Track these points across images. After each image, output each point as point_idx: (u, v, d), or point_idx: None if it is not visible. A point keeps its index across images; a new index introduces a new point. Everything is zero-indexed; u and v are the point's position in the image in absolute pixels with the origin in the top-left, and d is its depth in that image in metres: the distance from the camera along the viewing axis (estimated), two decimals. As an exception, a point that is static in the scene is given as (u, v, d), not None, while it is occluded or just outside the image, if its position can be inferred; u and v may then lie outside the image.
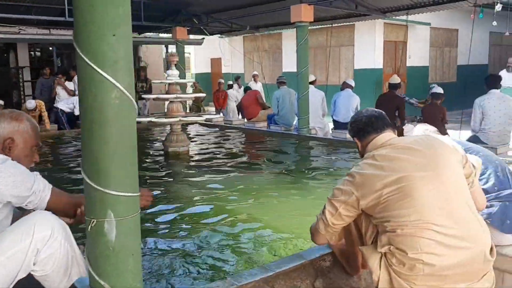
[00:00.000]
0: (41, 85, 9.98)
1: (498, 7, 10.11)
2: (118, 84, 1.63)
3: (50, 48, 13.46)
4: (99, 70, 1.60)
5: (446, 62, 15.45)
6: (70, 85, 9.75)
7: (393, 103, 7.12)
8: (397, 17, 10.80)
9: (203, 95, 6.49)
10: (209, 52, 18.58)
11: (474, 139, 6.06)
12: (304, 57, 7.57)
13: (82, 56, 1.61)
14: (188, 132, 8.76)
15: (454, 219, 1.93)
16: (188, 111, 10.60)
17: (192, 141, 7.68)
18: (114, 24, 1.61)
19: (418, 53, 14.37)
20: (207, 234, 3.27)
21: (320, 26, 11.96)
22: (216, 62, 19.27)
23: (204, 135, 8.64)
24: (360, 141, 2.26)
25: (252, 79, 12.92)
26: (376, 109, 2.32)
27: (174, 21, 10.14)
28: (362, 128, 2.23)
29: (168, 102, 6.08)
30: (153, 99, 6.24)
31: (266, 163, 6.06)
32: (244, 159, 6.23)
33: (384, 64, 13.58)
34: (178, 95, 5.88)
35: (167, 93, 6.02)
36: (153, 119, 5.84)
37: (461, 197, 1.99)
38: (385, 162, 2.04)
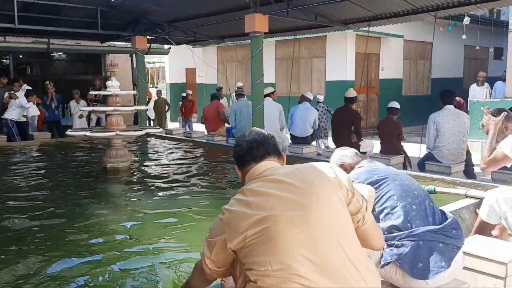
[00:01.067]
0: (-6, 94, 9.51)
1: (466, 20, 10.01)
2: None
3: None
4: None
5: (420, 75, 15.34)
6: (20, 94, 9.31)
7: (348, 118, 6.84)
8: (369, 29, 10.64)
9: (145, 108, 6.12)
10: (184, 62, 18.27)
11: (428, 157, 5.81)
12: (258, 68, 7.28)
13: None
14: (141, 146, 8.39)
15: (324, 269, 1.59)
16: (148, 123, 10.28)
17: (142, 156, 7.30)
18: None
19: (391, 66, 14.23)
20: (100, 258, 2.90)
21: (291, 37, 11.76)
22: (190, 72, 18.97)
23: (157, 149, 8.24)
24: (240, 170, 1.92)
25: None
26: (262, 133, 1.95)
27: (134, 30, 9.78)
28: (242, 156, 1.89)
29: (107, 115, 5.69)
30: (90, 111, 5.86)
31: (211, 181, 5.70)
32: (188, 176, 5.86)
33: (356, 76, 13.38)
34: (116, 108, 5.51)
35: (106, 105, 5.65)
36: (87, 133, 5.46)
37: (335, 242, 1.65)
38: (253, 197, 1.71)
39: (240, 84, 12.21)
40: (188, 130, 10.16)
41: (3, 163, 6.86)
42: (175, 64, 18.98)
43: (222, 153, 7.62)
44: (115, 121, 5.70)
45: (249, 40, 12.83)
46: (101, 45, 11.57)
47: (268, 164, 1.85)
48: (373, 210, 2.39)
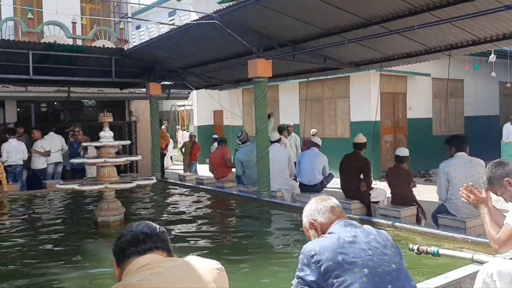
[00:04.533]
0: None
1: (492, 57, 9.42)
2: None
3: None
4: None
5: (452, 114, 14.59)
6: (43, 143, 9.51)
7: (357, 165, 6.38)
8: (393, 68, 10.23)
9: (138, 158, 5.95)
10: (212, 104, 18.41)
11: (442, 209, 5.25)
12: (262, 114, 7.03)
13: None
14: (148, 194, 8.24)
15: None
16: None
17: (144, 206, 7.10)
18: None
19: (419, 105, 13.63)
20: None
21: (315, 78, 11.55)
22: (218, 115, 19.09)
23: (160, 197, 8.05)
24: (119, 267, 1.57)
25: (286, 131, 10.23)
26: (152, 226, 1.65)
27: (149, 77, 9.89)
28: (123, 249, 1.57)
29: (99, 166, 5.56)
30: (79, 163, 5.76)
31: (213, 239, 5.31)
32: (187, 231, 5.54)
33: (382, 116, 12.87)
34: (107, 160, 5.37)
35: (97, 156, 5.54)
36: (75, 187, 5.32)
37: None
38: None
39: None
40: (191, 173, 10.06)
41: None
42: (203, 106, 19.18)
43: (230, 203, 7.32)
44: (107, 172, 5.56)
45: (274, 82, 12.95)
46: (121, 92, 11.80)
47: (152, 257, 1.54)
48: None
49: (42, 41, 9.31)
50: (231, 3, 6.26)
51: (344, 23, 6.25)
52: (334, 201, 2.21)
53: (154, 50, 8.67)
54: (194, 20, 6.48)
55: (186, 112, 22.57)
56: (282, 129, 9.77)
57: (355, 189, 6.27)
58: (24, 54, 8.25)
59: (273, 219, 6.13)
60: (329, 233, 2.08)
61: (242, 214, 6.69)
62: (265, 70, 6.85)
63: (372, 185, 6.62)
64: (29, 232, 5.65)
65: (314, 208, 2.18)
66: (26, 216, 6.70)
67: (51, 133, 10.10)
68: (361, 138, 6.57)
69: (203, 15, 6.40)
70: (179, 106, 22.45)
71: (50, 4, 12.74)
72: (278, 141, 7.57)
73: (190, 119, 23.41)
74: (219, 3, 15.59)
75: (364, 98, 12.67)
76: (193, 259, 1.56)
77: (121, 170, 11.85)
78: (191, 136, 12.04)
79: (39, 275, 4.02)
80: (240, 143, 8.16)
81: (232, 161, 8.40)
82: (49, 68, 9.02)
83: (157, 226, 1.65)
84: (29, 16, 11.95)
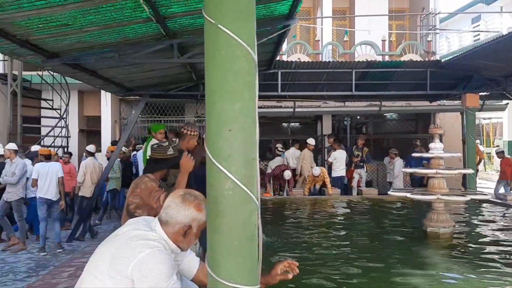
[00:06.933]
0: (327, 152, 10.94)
1: None
2: (231, 176, 1.69)
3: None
4: (214, 161, 1.71)
5: None
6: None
7: None
8: None
9: (470, 171, 5.58)
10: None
11: None
12: None
13: (206, 148, 1.76)
14: (470, 210, 7.71)
15: None
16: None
17: (468, 222, 6.69)
18: (230, 120, 1.70)
19: None
20: None
21: None
22: (537, 128, 16.42)
23: (486, 215, 7.36)
24: None
25: None
26: None
27: (465, 88, 9.34)
28: None
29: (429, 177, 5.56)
30: (411, 173, 5.85)
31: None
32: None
33: None
34: (439, 171, 5.32)
35: (429, 167, 5.56)
36: (408, 195, 5.47)
37: None
38: None
39: None
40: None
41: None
42: (516, 119, 16.87)
43: None
44: (437, 184, 5.51)
45: None
46: (430, 105, 11.59)
47: None
48: None
49: (355, 60, 10.14)
50: None
51: None
52: None
53: (474, 59, 8.12)
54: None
55: (493, 126, 20.28)
56: None
57: None
58: (347, 73, 9.16)
59: None
60: None
61: None
62: None
63: None
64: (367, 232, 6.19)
65: None
66: (359, 218, 7.42)
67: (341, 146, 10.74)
68: None
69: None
70: (484, 119, 20.39)
71: (362, 25, 13.81)
72: None
73: (496, 133, 20.92)
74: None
75: None
76: None
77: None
78: (500, 152, 10.70)
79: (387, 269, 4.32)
80: None
81: None
82: (366, 85, 9.72)
83: None
84: (345, 39, 13.29)
